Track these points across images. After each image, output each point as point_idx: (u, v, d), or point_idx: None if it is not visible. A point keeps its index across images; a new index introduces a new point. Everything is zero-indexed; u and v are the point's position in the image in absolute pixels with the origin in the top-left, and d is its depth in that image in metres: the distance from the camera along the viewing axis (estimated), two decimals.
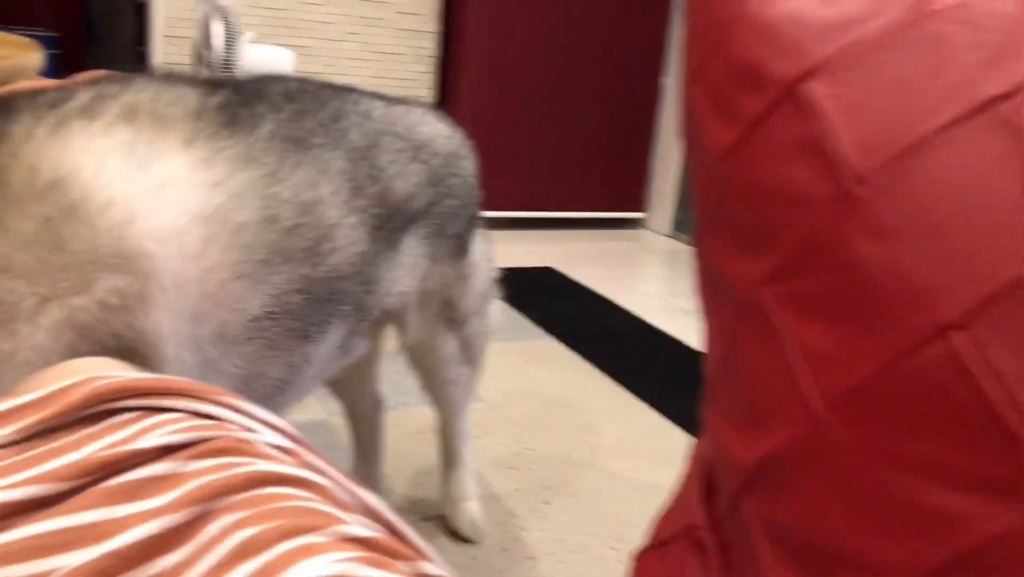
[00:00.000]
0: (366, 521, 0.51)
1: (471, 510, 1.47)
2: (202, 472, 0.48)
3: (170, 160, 0.83)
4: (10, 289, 0.73)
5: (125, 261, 0.78)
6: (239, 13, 2.64)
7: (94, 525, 0.44)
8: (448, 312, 1.23)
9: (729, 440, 0.54)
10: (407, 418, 1.84)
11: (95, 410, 0.54)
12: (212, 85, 0.93)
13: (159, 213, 0.80)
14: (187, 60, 2.87)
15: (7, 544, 0.42)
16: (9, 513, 0.44)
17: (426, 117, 1.15)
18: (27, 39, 1.10)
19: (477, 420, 1.51)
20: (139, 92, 0.86)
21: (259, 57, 2.66)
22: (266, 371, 0.92)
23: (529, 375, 2.17)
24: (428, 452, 1.70)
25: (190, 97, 0.88)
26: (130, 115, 0.84)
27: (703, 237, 0.61)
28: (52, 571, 0.42)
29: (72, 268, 0.75)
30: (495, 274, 1.36)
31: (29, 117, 0.80)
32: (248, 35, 2.65)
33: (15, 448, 0.52)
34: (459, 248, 1.21)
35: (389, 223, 1.04)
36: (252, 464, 0.50)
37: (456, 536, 1.46)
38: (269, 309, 0.89)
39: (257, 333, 0.89)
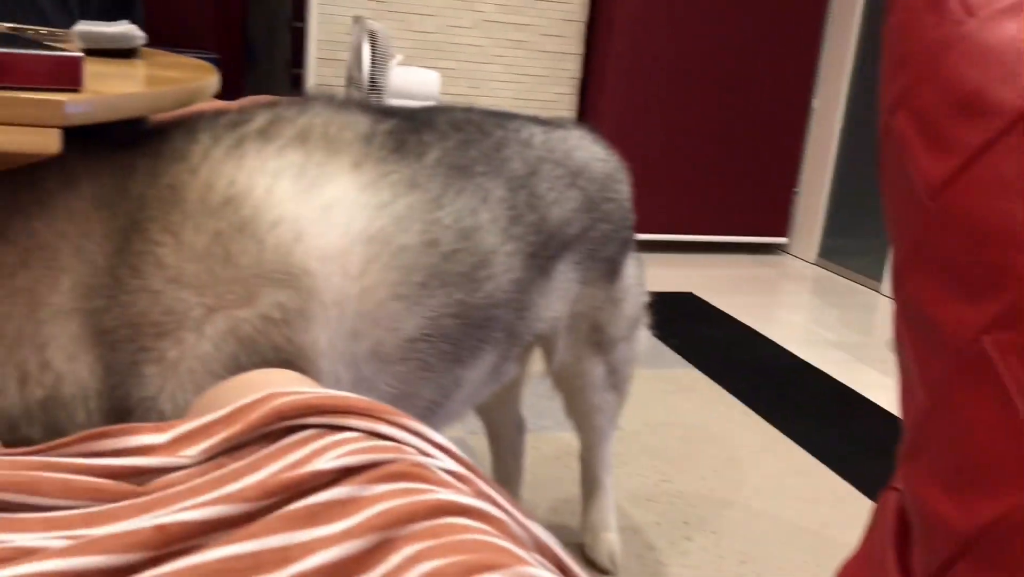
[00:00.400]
0: (544, 561, 0.49)
1: (610, 541, 1.43)
2: (382, 497, 0.47)
3: (338, 182, 0.85)
4: (180, 298, 0.76)
5: (290, 277, 0.79)
6: (389, 36, 2.71)
7: (280, 550, 0.44)
8: (596, 336, 1.21)
9: (938, 502, 0.49)
10: (544, 443, 1.82)
11: (276, 427, 0.54)
12: (383, 113, 0.95)
13: (325, 233, 0.82)
14: (340, 82, 2.97)
15: (200, 566, 0.42)
16: (198, 532, 0.44)
17: (583, 141, 1.14)
18: (203, 62, 1.15)
19: (615, 449, 1.48)
20: (314, 116, 0.88)
21: (407, 78, 2.72)
22: (419, 392, 0.93)
23: (669, 405, 2.12)
24: (565, 478, 1.68)
25: (362, 123, 0.91)
26: (303, 137, 0.86)
27: (905, 277, 0.56)
28: None
29: (239, 281, 0.78)
30: (646, 299, 1.33)
31: (208, 137, 0.83)
32: (397, 57, 2.72)
33: (200, 468, 0.53)
34: (611, 271, 1.18)
35: (544, 250, 1.03)
36: (432, 492, 0.49)
37: (593, 566, 1.43)
38: (425, 331, 0.89)
39: (412, 354, 0.90)
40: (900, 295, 0.57)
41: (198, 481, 0.49)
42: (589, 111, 3.34)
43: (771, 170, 3.60)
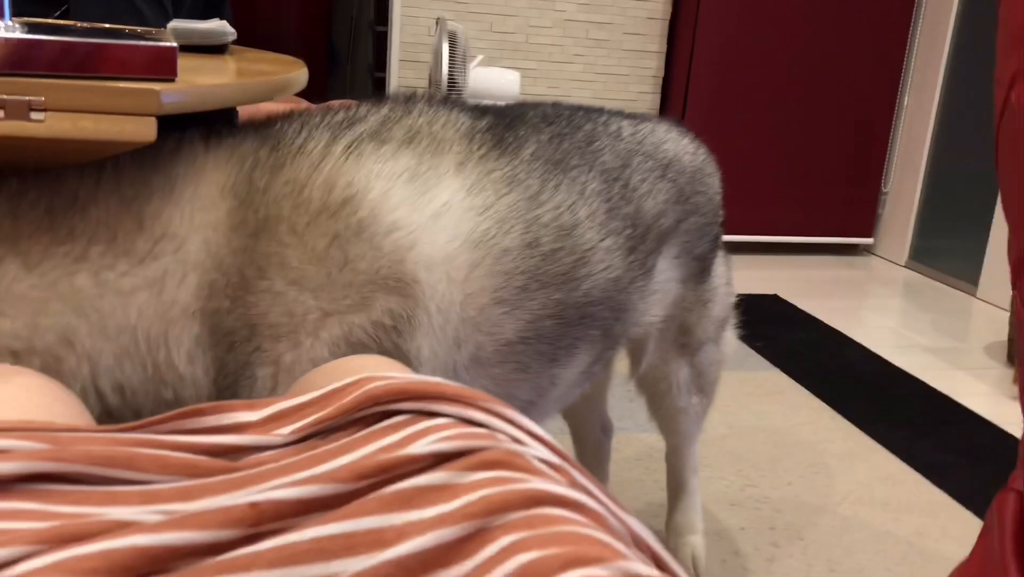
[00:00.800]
0: (642, 557, 0.47)
1: (695, 544, 1.40)
2: (478, 485, 0.46)
3: (447, 186, 0.84)
4: (299, 301, 0.76)
5: (401, 285, 0.79)
6: (470, 37, 2.72)
7: (374, 531, 0.43)
8: (683, 337, 1.18)
9: None
10: (625, 444, 1.79)
11: (369, 412, 0.53)
12: (479, 109, 0.94)
13: (435, 240, 0.81)
14: (422, 83, 3.00)
15: (294, 545, 0.42)
16: (291, 511, 0.44)
17: (671, 134, 1.12)
18: (292, 58, 1.16)
19: (699, 452, 1.45)
20: (419, 116, 0.88)
21: (487, 78, 2.73)
22: (514, 392, 0.91)
23: (754, 409, 2.07)
24: (646, 480, 1.65)
25: (463, 120, 0.90)
26: (412, 139, 0.86)
27: None
28: (333, 575, 0.41)
29: (354, 286, 0.77)
30: (733, 300, 1.29)
31: (328, 134, 0.83)
32: (478, 58, 2.72)
33: (292, 448, 0.53)
34: (701, 270, 1.15)
35: (642, 244, 1.01)
36: (527, 481, 0.48)
37: None
38: (523, 334, 0.88)
39: (509, 357, 0.88)
40: (1021, 286, 0.53)
41: (290, 460, 0.49)
42: (671, 110, 3.30)
43: (857, 169, 3.50)
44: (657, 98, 3.32)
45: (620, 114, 1.10)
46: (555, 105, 1.05)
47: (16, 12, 0.80)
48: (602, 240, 0.94)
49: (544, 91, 3.16)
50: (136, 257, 0.75)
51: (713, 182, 1.16)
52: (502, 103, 2.72)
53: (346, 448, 0.50)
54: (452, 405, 0.54)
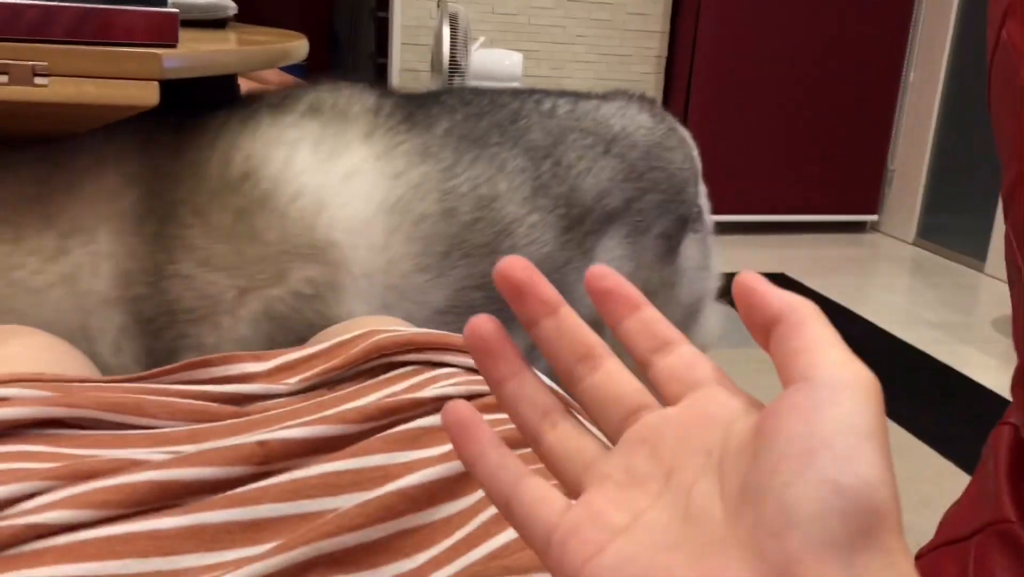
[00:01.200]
0: None
1: None
2: None
3: (355, 151, 0.84)
4: (212, 282, 0.75)
5: (316, 251, 0.78)
6: (470, 19, 2.71)
7: (381, 468, 0.44)
8: None
9: None
10: None
11: (376, 363, 0.54)
12: (387, 91, 0.94)
13: (347, 203, 0.81)
14: (424, 67, 2.99)
15: (304, 480, 0.42)
16: (299, 450, 0.44)
17: (625, 109, 1.07)
18: (292, 32, 1.16)
19: None
20: (321, 91, 0.88)
21: (488, 60, 2.72)
22: None
23: (759, 384, 2.06)
24: None
25: (368, 97, 0.90)
26: (316, 110, 0.85)
27: (1017, 199, 0.53)
28: (340, 508, 0.42)
29: (267, 259, 0.77)
30: (712, 285, 1.25)
31: (224, 110, 0.83)
32: (480, 40, 2.72)
33: (300, 396, 0.53)
34: (666, 250, 1.10)
35: (580, 224, 0.98)
36: None
37: None
38: (451, 303, 0.88)
39: (440, 327, 0.89)
40: (1011, 217, 0.54)
41: (299, 406, 0.50)
42: (675, 90, 3.29)
43: (861, 147, 3.48)
44: (661, 78, 3.31)
45: (560, 93, 1.07)
46: (476, 89, 1.03)
47: None
48: (528, 215, 0.93)
49: (547, 72, 3.16)
50: (45, 254, 0.74)
51: (675, 156, 1.09)
52: (504, 85, 2.70)
53: (353, 395, 0.51)
54: (457, 355, 0.54)
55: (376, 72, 3.67)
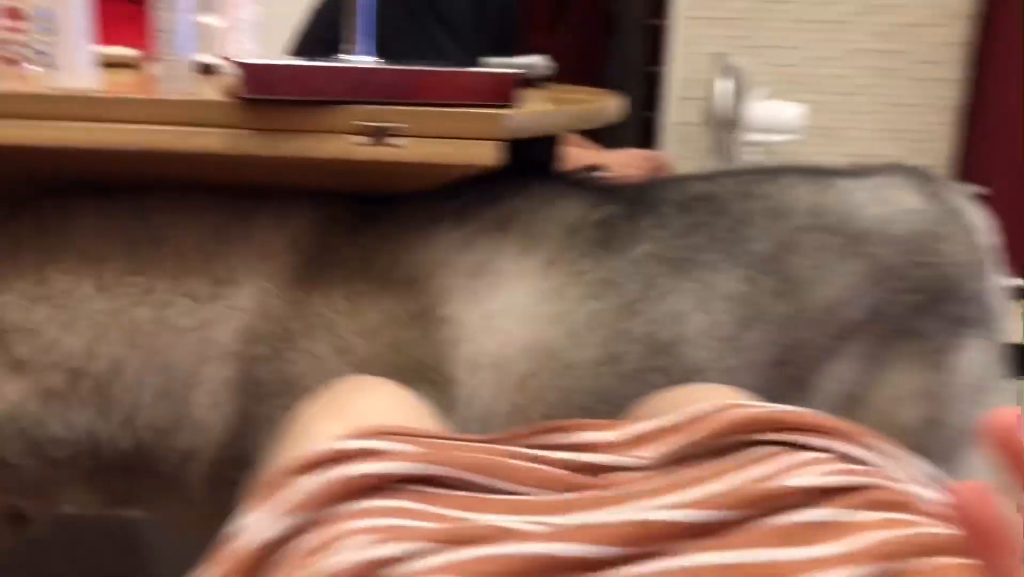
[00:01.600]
0: None
1: None
2: (873, 525, 0.42)
3: (517, 288, 0.78)
4: (338, 373, 0.72)
5: (440, 380, 0.75)
6: (749, 72, 2.65)
7: (768, 565, 0.40)
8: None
9: None
10: None
11: (731, 441, 0.51)
12: (605, 196, 0.85)
13: (486, 341, 0.76)
14: (697, 121, 2.97)
15: (695, 569, 0.39)
16: (679, 534, 0.42)
17: (884, 191, 0.89)
18: (601, 90, 1.17)
19: None
20: (523, 199, 0.82)
21: (768, 113, 2.64)
22: None
23: None
24: None
25: (572, 210, 0.82)
26: (503, 225, 0.80)
27: None
28: None
29: (397, 367, 0.74)
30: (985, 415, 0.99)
31: (408, 204, 0.80)
32: (761, 92, 2.65)
33: (656, 472, 0.51)
34: (926, 353, 0.88)
35: (799, 352, 0.82)
36: (921, 525, 0.43)
37: None
38: None
39: None
40: None
41: (659, 483, 0.47)
42: (975, 141, 3.02)
43: None
44: (954, 129, 3.06)
45: (808, 172, 0.90)
46: (712, 180, 0.89)
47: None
48: (719, 359, 0.78)
49: (827, 123, 3.02)
50: (197, 298, 0.75)
51: (950, 247, 0.88)
52: (783, 138, 2.59)
53: (713, 476, 0.48)
54: (826, 438, 0.50)
55: (643, 126, 3.69)
